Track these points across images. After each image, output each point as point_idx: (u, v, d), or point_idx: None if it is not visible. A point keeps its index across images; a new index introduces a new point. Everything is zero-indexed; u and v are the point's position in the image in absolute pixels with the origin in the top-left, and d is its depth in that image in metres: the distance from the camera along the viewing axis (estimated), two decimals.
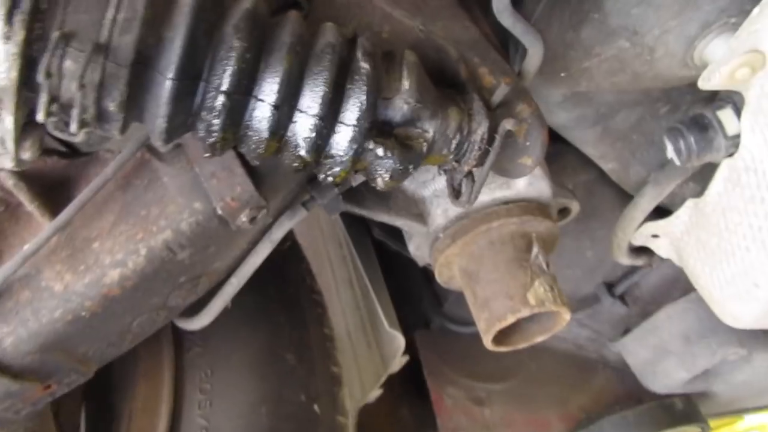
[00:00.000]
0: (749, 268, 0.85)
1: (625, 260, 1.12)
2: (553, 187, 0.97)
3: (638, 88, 0.83)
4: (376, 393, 1.14)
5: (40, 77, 0.44)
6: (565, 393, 1.50)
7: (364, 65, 0.52)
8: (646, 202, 0.97)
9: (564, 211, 1.12)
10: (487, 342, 0.92)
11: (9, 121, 0.46)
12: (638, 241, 1.07)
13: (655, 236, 1.05)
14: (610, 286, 1.35)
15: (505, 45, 0.71)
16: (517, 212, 0.92)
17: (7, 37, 0.43)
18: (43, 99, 0.45)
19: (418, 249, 1.05)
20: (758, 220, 0.80)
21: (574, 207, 1.10)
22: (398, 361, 1.12)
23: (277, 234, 0.72)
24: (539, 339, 0.97)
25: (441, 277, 1.03)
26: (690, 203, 0.93)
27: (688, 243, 0.98)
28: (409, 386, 1.33)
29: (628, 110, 0.90)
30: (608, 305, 1.35)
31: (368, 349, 1.13)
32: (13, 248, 0.61)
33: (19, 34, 0.43)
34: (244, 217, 0.63)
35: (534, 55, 0.65)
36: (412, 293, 1.45)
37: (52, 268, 0.60)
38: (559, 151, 1.10)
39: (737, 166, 0.79)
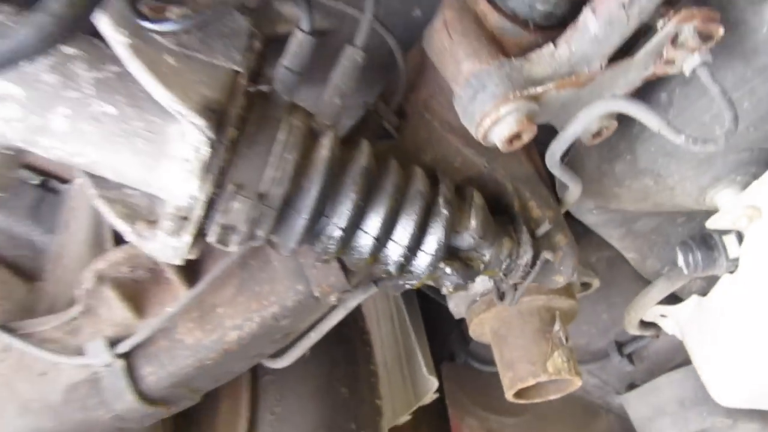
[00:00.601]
0: (736, 362, 1.00)
1: (636, 332, 1.28)
2: (579, 269, 1.13)
3: (659, 212, 0.99)
4: (405, 418, 1.32)
5: (218, 215, 0.62)
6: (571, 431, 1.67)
7: (444, 211, 0.69)
8: (657, 292, 1.12)
9: (585, 284, 1.28)
10: (509, 396, 1.10)
11: (187, 239, 0.64)
12: (648, 318, 1.23)
13: (663, 315, 1.21)
14: (620, 345, 1.50)
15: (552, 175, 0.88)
16: (545, 290, 1.08)
17: (201, 189, 0.61)
18: (216, 228, 0.63)
19: (456, 306, 1.22)
20: (747, 325, 0.95)
21: (595, 283, 1.26)
22: (429, 397, 1.29)
23: (352, 303, 0.89)
24: (552, 397, 1.14)
25: (473, 333, 1.20)
26: (695, 299, 1.09)
27: (690, 328, 1.14)
28: (431, 411, 1.50)
29: (649, 218, 1.06)
30: (617, 362, 1.51)
31: (403, 382, 1.30)
32: (154, 306, 0.80)
33: (208, 187, 0.61)
34: (333, 298, 0.80)
35: (574, 192, 0.81)
36: (443, 328, 1.63)
37: (185, 325, 0.79)
38: (587, 229, 1.26)
39: (735, 281, 0.94)
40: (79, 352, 0.78)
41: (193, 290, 0.78)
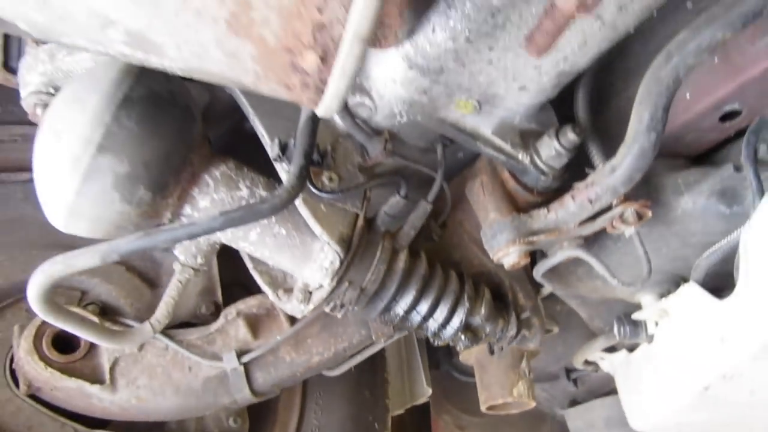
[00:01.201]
0: (646, 399, 1.45)
1: (581, 367, 1.73)
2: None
3: (605, 297, 1.43)
4: (398, 412, 1.76)
5: (336, 298, 1.03)
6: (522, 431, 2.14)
7: (467, 303, 1.11)
8: (598, 345, 1.57)
9: (548, 330, 1.73)
10: (483, 408, 1.54)
11: (311, 307, 1.05)
12: (591, 358, 1.68)
13: (602, 358, 1.66)
14: (568, 371, 1.96)
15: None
16: None
17: (330, 285, 1.01)
18: (332, 304, 1.04)
19: None
20: (655, 378, 1.40)
21: (555, 330, 1.71)
22: (421, 400, 1.74)
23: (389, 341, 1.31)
24: (513, 412, 1.59)
25: (462, 358, 1.63)
26: (624, 352, 1.53)
27: (619, 370, 1.59)
28: (416, 408, 1.95)
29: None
30: (564, 383, 1.97)
31: (402, 386, 1.74)
32: (266, 333, 1.21)
33: (333, 283, 1.01)
34: (383, 340, 1.22)
35: (548, 288, 1.24)
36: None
37: (285, 348, 1.20)
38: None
39: (650, 349, 1.38)
40: (214, 356, 1.19)
41: (294, 327, 1.19)
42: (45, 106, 1.01)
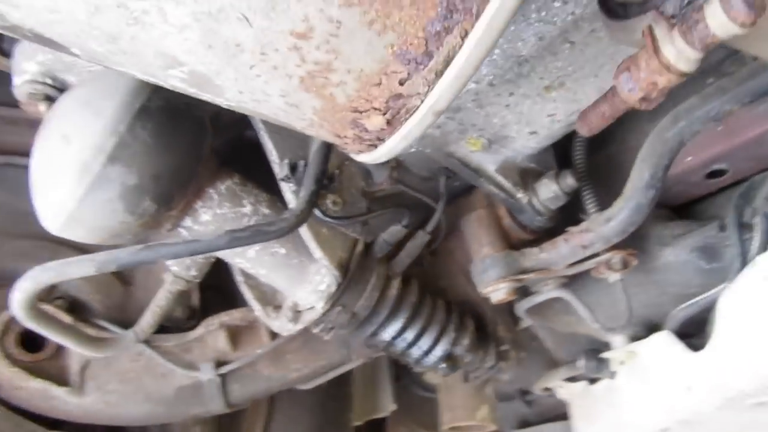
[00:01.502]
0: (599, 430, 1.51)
1: (538, 392, 1.78)
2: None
3: (576, 331, 1.47)
4: (356, 424, 1.76)
5: (328, 320, 1.02)
6: None
7: (453, 333, 1.12)
8: (561, 375, 1.61)
9: None
10: (445, 428, 1.56)
11: (299, 327, 1.04)
12: (549, 385, 1.73)
13: (560, 386, 1.71)
14: (524, 393, 2.01)
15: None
16: None
17: (323, 307, 1.00)
18: (322, 326, 1.03)
19: None
20: (612, 413, 1.45)
21: (522, 356, 1.74)
22: (384, 414, 1.75)
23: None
24: None
25: (427, 376, 1.65)
26: (585, 383, 1.58)
27: (576, 400, 1.64)
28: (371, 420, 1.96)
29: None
30: (519, 404, 2.02)
31: (365, 399, 1.74)
32: (246, 345, 1.19)
33: (326, 306, 1.01)
34: (362, 360, 1.22)
35: (527, 322, 1.27)
36: None
37: (264, 362, 1.19)
38: None
39: (611, 385, 1.43)
40: (190, 365, 1.17)
41: (275, 341, 1.17)
42: (41, 97, 0.96)
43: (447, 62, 0.43)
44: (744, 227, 1.09)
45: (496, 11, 0.40)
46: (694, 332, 1.21)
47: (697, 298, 1.13)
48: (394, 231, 1.04)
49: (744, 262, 1.03)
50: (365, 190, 1.03)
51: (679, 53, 0.45)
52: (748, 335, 0.99)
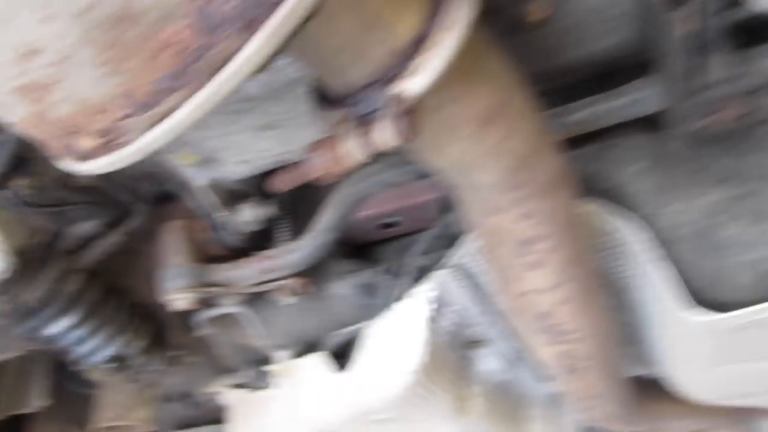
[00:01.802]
0: None
1: (201, 396, 1.85)
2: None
3: (247, 344, 1.59)
4: None
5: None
6: None
7: (129, 335, 1.13)
8: (228, 382, 1.71)
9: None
10: (101, 426, 1.53)
11: None
12: (215, 390, 1.81)
13: (221, 391, 1.81)
14: (186, 396, 2.06)
15: None
16: None
17: None
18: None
19: None
20: (270, 419, 1.59)
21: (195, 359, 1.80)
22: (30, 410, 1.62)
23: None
24: None
25: (87, 374, 1.60)
26: (243, 391, 1.70)
27: (235, 405, 1.75)
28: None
29: None
30: (175, 407, 2.05)
31: (13, 392, 1.59)
32: None
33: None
34: (18, 351, 1.15)
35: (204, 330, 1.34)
36: None
37: None
38: None
39: (270, 394, 1.58)
40: None
41: None
42: None
43: (166, 114, 0.50)
44: (399, 274, 1.34)
45: (218, 86, 0.48)
46: (346, 355, 1.43)
47: (350, 328, 1.34)
48: (87, 226, 1.02)
49: (388, 304, 1.26)
50: (65, 180, 1.00)
51: (350, 151, 0.58)
52: (378, 364, 1.22)
